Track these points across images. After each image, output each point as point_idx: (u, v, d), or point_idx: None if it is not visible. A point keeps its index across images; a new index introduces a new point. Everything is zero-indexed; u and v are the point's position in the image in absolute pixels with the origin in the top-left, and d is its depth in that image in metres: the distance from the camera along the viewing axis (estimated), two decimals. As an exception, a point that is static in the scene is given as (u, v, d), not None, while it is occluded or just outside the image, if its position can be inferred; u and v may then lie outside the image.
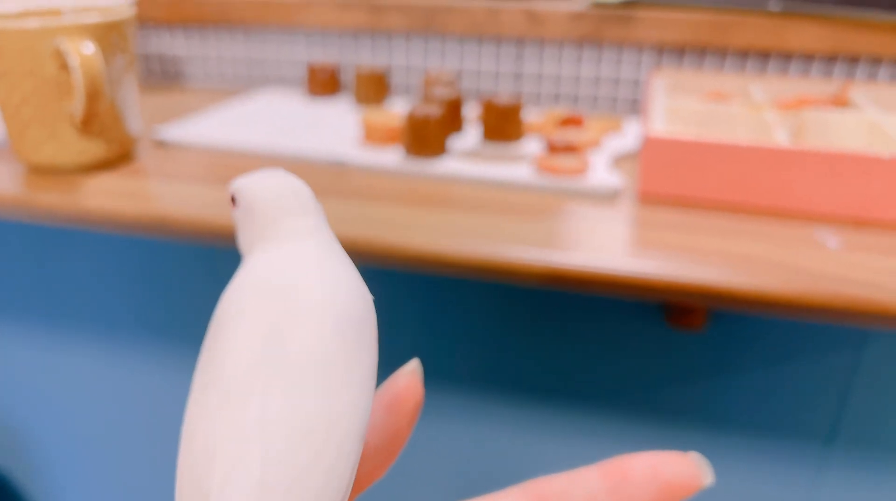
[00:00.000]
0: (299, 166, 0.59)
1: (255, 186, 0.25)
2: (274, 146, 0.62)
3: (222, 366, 0.21)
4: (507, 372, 0.74)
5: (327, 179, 0.57)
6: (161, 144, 0.65)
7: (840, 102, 0.61)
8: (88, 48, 0.54)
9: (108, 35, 0.57)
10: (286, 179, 0.26)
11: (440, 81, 0.67)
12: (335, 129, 0.66)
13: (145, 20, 0.81)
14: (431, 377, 0.74)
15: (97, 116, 0.58)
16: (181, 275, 0.80)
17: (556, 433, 0.75)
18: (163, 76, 0.85)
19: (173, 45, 0.82)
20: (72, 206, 0.54)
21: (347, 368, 0.21)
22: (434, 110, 0.57)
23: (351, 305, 0.22)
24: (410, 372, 0.24)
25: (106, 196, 0.54)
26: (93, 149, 0.59)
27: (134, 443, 0.95)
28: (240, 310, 0.22)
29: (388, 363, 0.68)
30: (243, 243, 0.26)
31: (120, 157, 0.61)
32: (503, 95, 0.61)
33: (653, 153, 0.51)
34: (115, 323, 0.86)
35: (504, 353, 0.73)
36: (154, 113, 0.74)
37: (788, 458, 0.75)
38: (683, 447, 0.76)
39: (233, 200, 0.26)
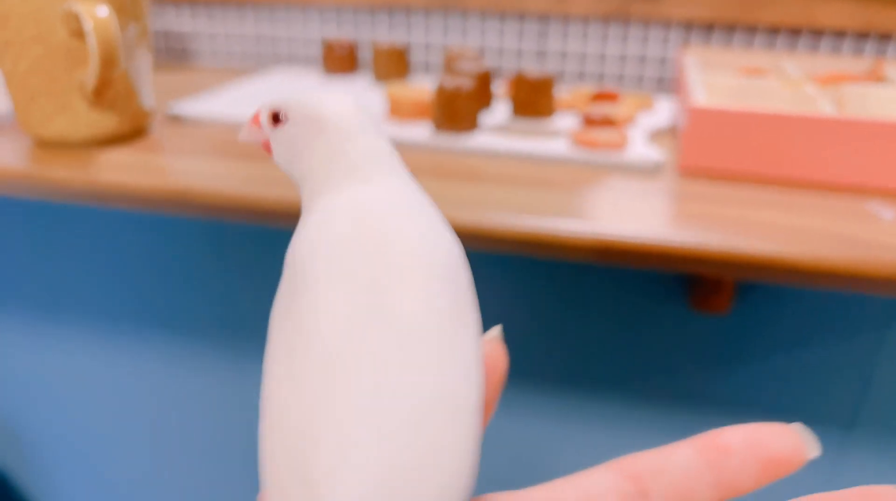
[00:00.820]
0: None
1: (320, 101, 0.22)
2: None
3: (315, 331, 0.17)
4: (527, 355, 0.72)
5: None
6: (175, 119, 0.62)
7: (875, 77, 0.60)
8: (102, 11, 0.51)
9: (122, 1, 0.54)
10: (347, 96, 0.23)
11: (464, 57, 0.65)
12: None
13: (148, -3, 0.78)
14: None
15: (110, 86, 0.55)
16: (190, 260, 0.77)
17: (577, 417, 0.73)
18: (168, 54, 0.82)
19: (180, 22, 0.79)
20: (85, 180, 0.51)
21: (458, 329, 0.18)
22: (465, 83, 0.55)
23: (451, 256, 0.19)
24: (494, 339, 0.21)
25: (121, 170, 0.52)
26: (105, 122, 0.56)
27: (135, 439, 0.92)
28: (327, 265, 0.19)
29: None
30: (305, 170, 0.22)
31: (133, 131, 0.58)
32: (534, 69, 0.59)
33: (696, 125, 0.50)
34: (118, 314, 0.83)
35: (524, 336, 0.71)
36: (162, 91, 0.71)
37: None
38: (701, 431, 0.74)
39: (275, 117, 0.23)
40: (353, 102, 0.22)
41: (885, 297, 0.66)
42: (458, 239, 0.21)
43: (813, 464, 0.75)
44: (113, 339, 0.85)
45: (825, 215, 0.45)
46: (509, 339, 0.71)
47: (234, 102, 0.64)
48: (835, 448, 0.74)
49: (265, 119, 0.23)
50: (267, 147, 0.24)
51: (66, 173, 0.51)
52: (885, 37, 0.65)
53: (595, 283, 0.67)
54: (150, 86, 0.59)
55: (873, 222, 0.44)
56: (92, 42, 0.51)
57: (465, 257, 0.20)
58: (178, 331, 0.83)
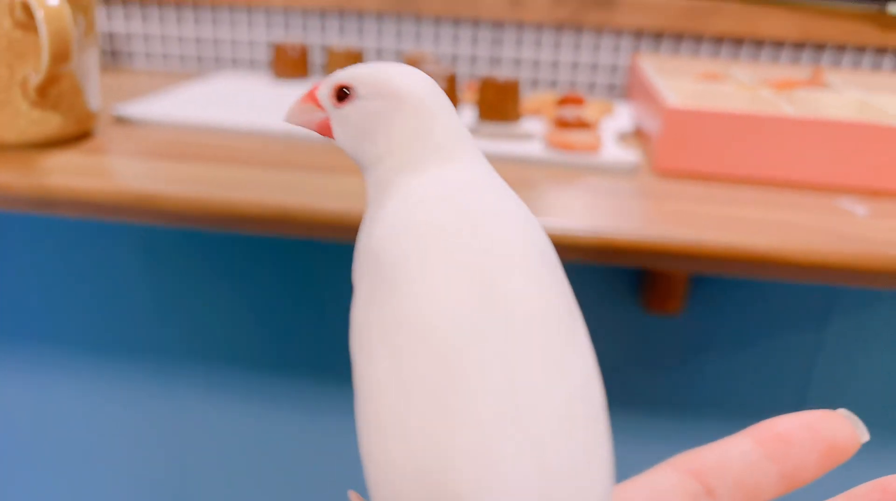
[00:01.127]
0: (286, 143, 0.55)
1: (396, 74, 0.20)
2: (255, 122, 0.56)
3: (427, 327, 0.15)
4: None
5: (324, 157, 0.52)
6: (121, 121, 0.58)
7: (817, 83, 0.63)
8: (53, 0, 0.47)
9: (71, -9, 0.50)
10: (419, 70, 0.21)
11: (423, 61, 0.64)
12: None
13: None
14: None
15: (56, 83, 0.51)
16: (141, 270, 0.72)
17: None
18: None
19: (111, 23, 0.74)
20: (28, 185, 0.46)
21: (574, 317, 0.17)
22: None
23: (546, 240, 0.18)
24: None
25: (67, 174, 0.47)
26: (47, 122, 0.52)
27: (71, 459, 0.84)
28: (424, 252, 0.17)
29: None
30: (368, 147, 0.20)
31: (77, 133, 0.54)
32: (501, 74, 0.59)
33: (671, 126, 0.51)
34: (60, 329, 0.77)
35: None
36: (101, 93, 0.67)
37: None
38: (658, 433, 0.76)
39: (340, 94, 0.21)
40: (429, 79, 0.21)
41: (869, 288, 0.69)
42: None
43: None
44: (55, 356, 0.79)
45: (803, 211, 0.47)
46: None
47: (182, 104, 0.61)
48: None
49: (326, 96, 0.21)
50: (324, 129, 0.22)
51: (5, 177, 0.47)
52: (819, 46, 0.69)
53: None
54: (96, 85, 0.55)
55: (849, 217, 0.46)
56: (43, 33, 0.46)
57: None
58: (120, 342, 0.77)
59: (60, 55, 0.48)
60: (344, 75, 0.21)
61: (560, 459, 0.14)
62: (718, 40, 0.69)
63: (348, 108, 0.20)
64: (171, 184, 0.46)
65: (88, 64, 0.53)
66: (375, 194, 0.20)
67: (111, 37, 0.75)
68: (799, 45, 0.69)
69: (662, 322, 0.72)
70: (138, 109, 0.59)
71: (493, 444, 0.14)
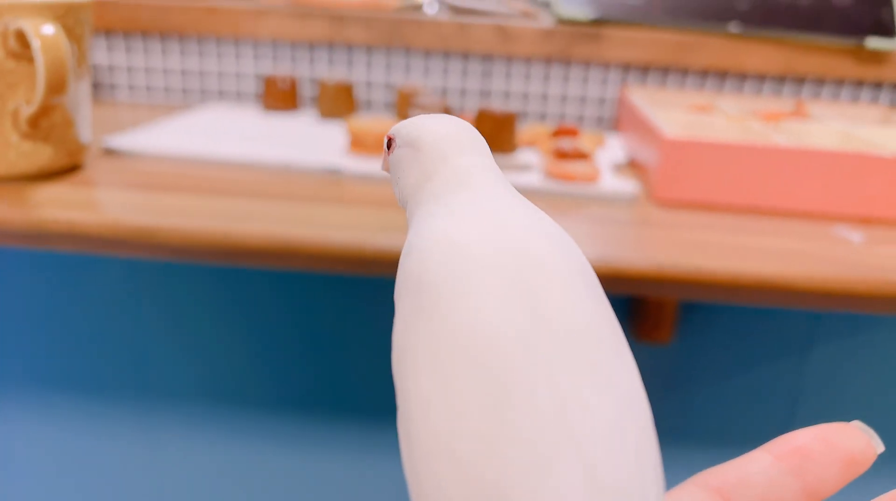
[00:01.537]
0: (285, 175, 0.54)
1: (420, 123, 0.22)
2: (251, 154, 0.56)
3: (475, 345, 0.15)
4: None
5: (319, 188, 0.52)
6: (111, 154, 0.57)
7: (800, 115, 0.65)
8: (49, 29, 0.46)
9: (65, 19, 0.49)
10: (455, 118, 0.23)
11: (417, 94, 0.64)
12: (311, 139, 0.61)
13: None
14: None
15: (49, 115, 0.49)
16: (147, 304, 0.70)
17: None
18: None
19: (94, 54, 0.73)
20: (18, 219, 0.45)
21: (617, 333, 0.17)
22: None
23: (582, 260, 0.18)
24: None
25: (59, 207, 0.46)
26: (38, 154, 0.50)
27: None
28: (466, 273, 0.17)
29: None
30: (406, 190, 0.22)
31: (68, 166, 0.53)
32: (497, 106, 0.59)
33: (669, 157, 0.51)
34: (45, 367, 0.74)
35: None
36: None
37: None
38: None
39: (388, 143, 0.23)
40: (455, 125, 0.22)
41: (864, 313, 0.70)
42: None
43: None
44: (46, 394, 0.76)
45: (801, 239, 0.47)
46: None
47: (173, 135, 0.60)
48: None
49: (385, 145, 0.24)
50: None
51: None
52: (800, 79, 0.71)
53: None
54: (88, 117, 0.54)
55: (845, 244, 0.47)
56: (39, 62, 0.45)
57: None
58: (113, 379, 0.75)
59: (56, 86, 0.47)
60: (392, 127, 0.24)
61: (612, 476, 0.14)
62: (703, 73, 0.71)
63: (391, 155, 0.23)
64: (167, 216, 0.45)
65: (80, 95, 0.52)
66: (409, 229, 0.21)
67: (93, 69, 0.74)
68: (780, 78, 0.71)
69: (653, 351, 0.72)
70: (128, 141, 0.58)
71: (546, 463, 0.14)
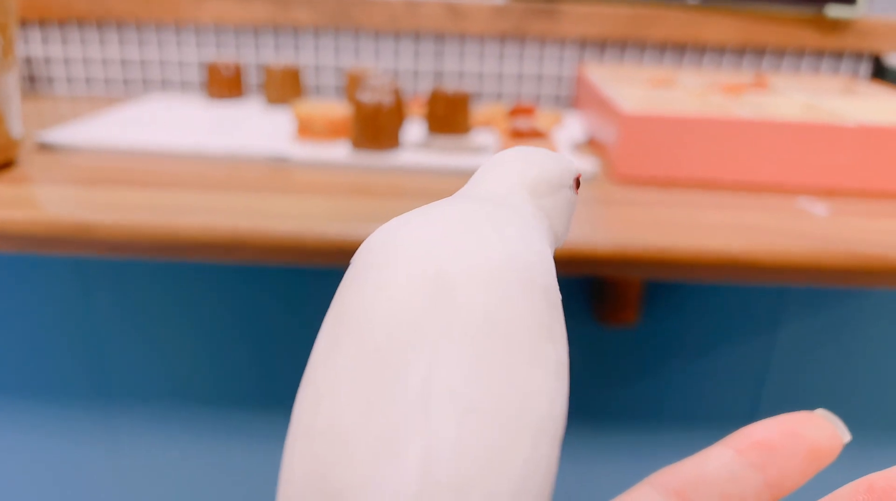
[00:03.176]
0: (229, 164, 0.51)
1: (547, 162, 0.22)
2: (195, 144, 0.53)
3: (371, 316, 0.15)
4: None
5: (265, 177, 0.49)
6: (46, 148, 0.54)
7: (761, 87, 0.63)
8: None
9: (-16, 9, 0.46)
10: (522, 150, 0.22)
11: (366, 76, 0.62)
12: (257, 127, 0.58)
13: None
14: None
15: (-29, 111, 0.46)
16: (70, 302, 0.67)
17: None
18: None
19: (29, 46, 0.70)
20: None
21: (539, 339, 0.15)
22: (386, 98, 0.52)
23: (540, 273, 0.17)
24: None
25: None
26: (-38, 153, 0.47)
27: None
28: (396, 249, 0.16)
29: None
30: None
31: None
32: (450, 86, 0.57)
33: (628, 133, 0.50)
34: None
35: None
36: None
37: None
38: (617, 446, 0.75)
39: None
40: (515, 154, 0.22)
41: (831, 287, 0.69)
42: (553, 274, 0.18)
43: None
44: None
45: (763, 213, 0.46)
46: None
47: (112, 128, 0.57)
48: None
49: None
50: None
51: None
52: (760, 50, 0.69)
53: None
54: (17, 112, 0.50)
55: (809, 217, 0.46)
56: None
57: (557, 291, 0.18)
58: (41, 384, 0.72)
59: (-27, 78, 0.44)
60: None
61: (455, 476, 0.13)
62: (662, 47, 0.69)
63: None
64: (103, 212, 0.42)
65: (8, 88, 0.49)
66: None
67: (29, 61, 0.70)
68: (740, 50, 0.70)
69: (618, 334, 0.71)
70: (64, 135, 0.55)
71: (387, 447, 0.13)
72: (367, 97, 0.52)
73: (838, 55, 0.70)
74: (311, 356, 0.16)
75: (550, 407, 0.15)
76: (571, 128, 0.62)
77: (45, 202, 0.44)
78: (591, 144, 0.59)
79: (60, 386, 0.72)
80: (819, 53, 0.70)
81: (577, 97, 0.68)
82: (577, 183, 0.23)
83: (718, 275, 0.41)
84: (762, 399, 0.74)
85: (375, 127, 0.52)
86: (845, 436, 0.16)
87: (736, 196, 0.49)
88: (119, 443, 0.74)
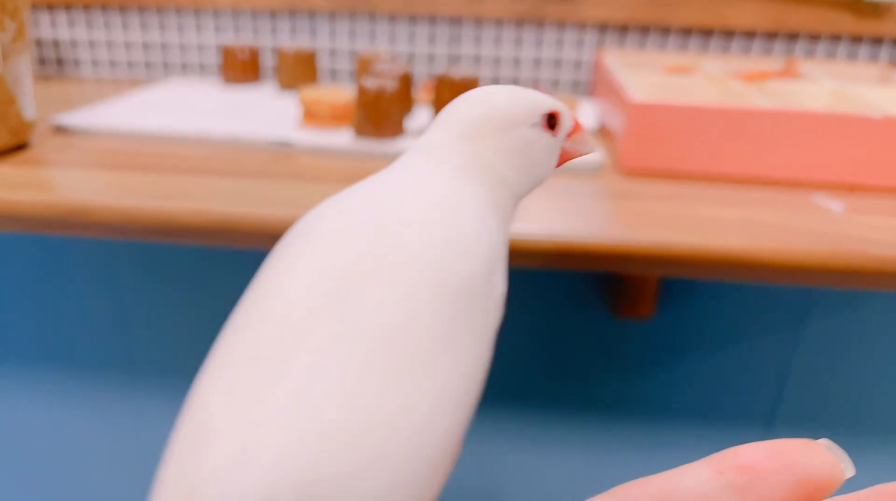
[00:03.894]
0: (234, 149, 0.51)
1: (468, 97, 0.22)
2: (201, 129, 0.53)
3: (270, 312, 0.15)
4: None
5: (267, 163, 0.49)
6: (61, 131, 0.55)
7: (790, 74, 0.61)
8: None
9: (-9, -5, 0.47)
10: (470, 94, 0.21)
11: (379, 61, 0.61)
12: (266, 112, 0.58)
13: (14, 3, 0.70)
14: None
15: (-20, 94, 0.47)
16: (83, 284, 0.69)
17: (500, 430, 0.70)
18: (42, 65, 0.73)
19: (56, 30, 0.71)
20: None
21: (432, 351, 0.15)
22: (389, 84, 0.51)
23: (465, 272, 0.17)
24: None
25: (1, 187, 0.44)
26: (-25, 135, 0.48)
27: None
28: (311, 239, 0.16)
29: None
30: None
31: (11, 144, 0.51)
32: (458, 70, 0.56)
33: (636, 122, 0.48)
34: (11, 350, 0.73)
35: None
36: (40, 104, 0.63)
37: (733, 441, 0.73)
38: (631, 438, 0.73)
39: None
40: (461, 101, 0.22)
41: (847, 289, 0.67)
42: (498, 255, 0.18)
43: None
44: (22, 367, 0.75)
45: (776, 209, 0.44)
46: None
47: (129, 111, 0.58)
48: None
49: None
50: None
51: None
52: (792, 36, 0.66)
53: (512, 287, 0.65)
54: (30, 94, 0.51)
55: (823, 213, 0.44)
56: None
57: (497, 278, 0.17)
58: (64, 363, 0.74)
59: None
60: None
61: (303, 484, 0.13)
62: (686, 32, 0.67)
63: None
64: (103, 195, 0.43)
65: (20, 70, 0.50)
66: None
67: (56, 44, 0.72)
68: (771, 36, 0.67)
69: (633, 328, 0.69)
70: (79, 118, 0.56)
71: (245, 440, 0.13)
72: (369, 83, 0.51)
73: (877, 42, 0.66)
74: (216, 340, 0.16)
75: (426, 426, 0.14)
76: (585, 116, 0.60)
77: (48, 185, 0.45)
78: (603, 133, 0.57)
79: (88, 359, 0.74)
80: (856, 39, 0.66)
81: (594, 84, 0.66)
82: (551, 121, 0.22)
83: (730, 275, 0.40)
84: (782, 401, 0.71)
85: (377, 114, 0.51)
86: (848, 471, 0.15)
87: (746, 190, 0.47)
88: (145, 416, 0.76)
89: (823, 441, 0.15)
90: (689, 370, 0.71)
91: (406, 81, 0.56)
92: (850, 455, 0.72)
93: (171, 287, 0.70)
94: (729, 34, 0.67)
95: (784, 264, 0.39)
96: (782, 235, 0.40)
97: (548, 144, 0.22)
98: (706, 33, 0.67)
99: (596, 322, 0.70)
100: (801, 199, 0.46)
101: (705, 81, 0.56)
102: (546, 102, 0.22)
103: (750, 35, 0.67)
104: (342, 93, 0.56)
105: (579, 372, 0.71)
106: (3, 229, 0.43)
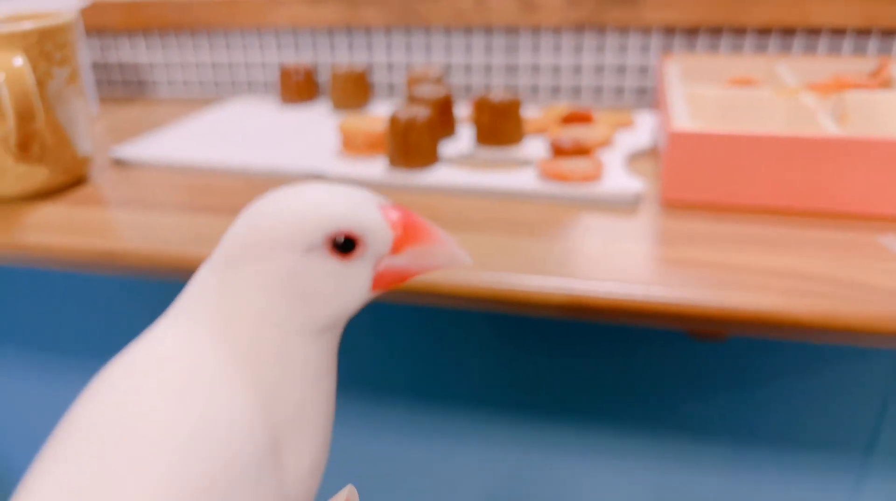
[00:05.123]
0: (272, 182, 0.52)
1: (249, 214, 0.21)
2: (243, 162, 0.54)
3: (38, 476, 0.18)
4: (522, 391, 0.67)
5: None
6: (119, 164, 0.58)
7: (880, 80, 0.54)
8: (17, 61, 0.47)
9: (41, 45, 0.49)
10: (288, 199, 0.20)
11: (426, 77, 0.60)
12: (311, 139, 0.59)
13: (102, 28, 0.74)
14: (442, 407, 0.67)
15: (35, 138, 0.50)
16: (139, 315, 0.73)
17: (578, 452, 0.68)
18: (124, 87, 0.77)
19: (134, 53, 0.74)
20: (7, 243, 0.46)
21: None
22: (420, 112, 0.50)
23: (213, 450, 0.17)
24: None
25: (45, 231, 0.47)
26: (35, 176, 0.52)
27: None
28: (93, 407, 0.18)
29: (380, 400, 0.59)
30: None
31: (69, 181, 0.54)
32: (497, 91, 0.54)
33: (678, 151, 0.44)
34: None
35: (516, 371, 0.66)
36: (117, 127, 0.67)
37: (823, 472, 0.68)
38: (710, 462, 0.69)
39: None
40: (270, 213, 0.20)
41: None
42: (256, 422, 0.19)
43: (832, 492, 0.69)
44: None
45: (827, 255, 0.39)
46: (495, 376, 0.66)
47: (184, 140, 0.60)
48: (854, 475, 0.68)
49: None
50: None
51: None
52: (888, 33, 0.59)
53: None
54: (85, 130, 0.54)
55: (885, 260, 0.38)
56: (4, 96, 0.46)
57: (258, 446, 0.17)
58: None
59: (26, 115, 0.47)
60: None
61: None
62: (765, 33, 0.61)
63: None
64: (128, 240, 0.44)
65: (74, 110, 0.53)
66: None
67: (136, 67, 0.75)
68: (863, 33, 0.59)
69: (707, 349, 0.65)
70: (135, 150, 0.58)
71: None
72: (400, 113, 0.50)
73: None
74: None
75: None
76: (641, 132, 0.56)
77: (97, 227, 0.47)
78: (654, 154, 0.53)
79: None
80: (968, 31, 0.58)
81: (657, 93, 0.61)
82: (343, 244, 0.18)
83: (791, 337, 0.36)
84: (882, 429, 0.65)
85: (407, 145, 0.50)
86: None
87: (797, 228, 0.42)
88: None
89: None
90: (769, 392, 0.66)
91: (446, 105, 0.55)
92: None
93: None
94: (814, 32, 0.60)
95: (826, 328, 0.35)
96: (828, 290, 0.36)
97: (334, 271, 0.18)
98: (787, 32, 0.60)
99: (672, 343, 0.66)
100: (864, 239, 0.40)
101: (771, 93, 0.51)
102: (338, 219, 0.18)
103: (839, 33, 0.60)
104: (378, 121, 0.55)
105: (656, 392, 0.68)
106: (45, 267, 0.46)
